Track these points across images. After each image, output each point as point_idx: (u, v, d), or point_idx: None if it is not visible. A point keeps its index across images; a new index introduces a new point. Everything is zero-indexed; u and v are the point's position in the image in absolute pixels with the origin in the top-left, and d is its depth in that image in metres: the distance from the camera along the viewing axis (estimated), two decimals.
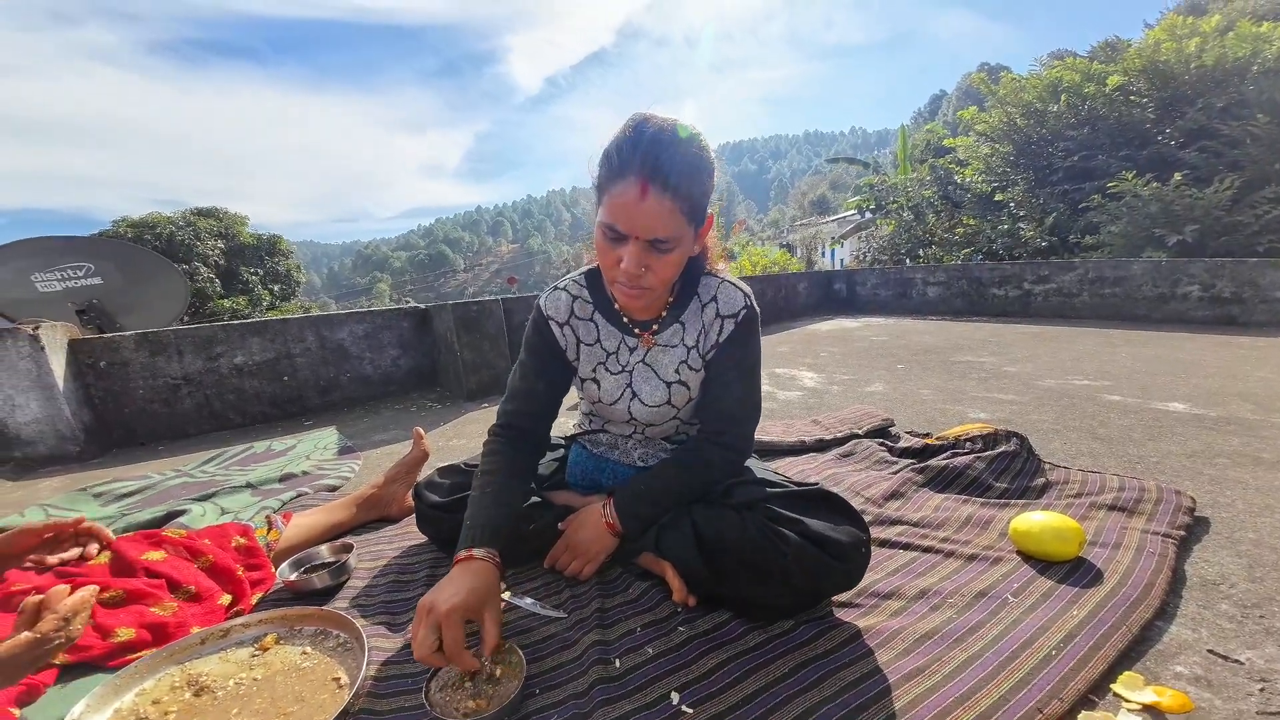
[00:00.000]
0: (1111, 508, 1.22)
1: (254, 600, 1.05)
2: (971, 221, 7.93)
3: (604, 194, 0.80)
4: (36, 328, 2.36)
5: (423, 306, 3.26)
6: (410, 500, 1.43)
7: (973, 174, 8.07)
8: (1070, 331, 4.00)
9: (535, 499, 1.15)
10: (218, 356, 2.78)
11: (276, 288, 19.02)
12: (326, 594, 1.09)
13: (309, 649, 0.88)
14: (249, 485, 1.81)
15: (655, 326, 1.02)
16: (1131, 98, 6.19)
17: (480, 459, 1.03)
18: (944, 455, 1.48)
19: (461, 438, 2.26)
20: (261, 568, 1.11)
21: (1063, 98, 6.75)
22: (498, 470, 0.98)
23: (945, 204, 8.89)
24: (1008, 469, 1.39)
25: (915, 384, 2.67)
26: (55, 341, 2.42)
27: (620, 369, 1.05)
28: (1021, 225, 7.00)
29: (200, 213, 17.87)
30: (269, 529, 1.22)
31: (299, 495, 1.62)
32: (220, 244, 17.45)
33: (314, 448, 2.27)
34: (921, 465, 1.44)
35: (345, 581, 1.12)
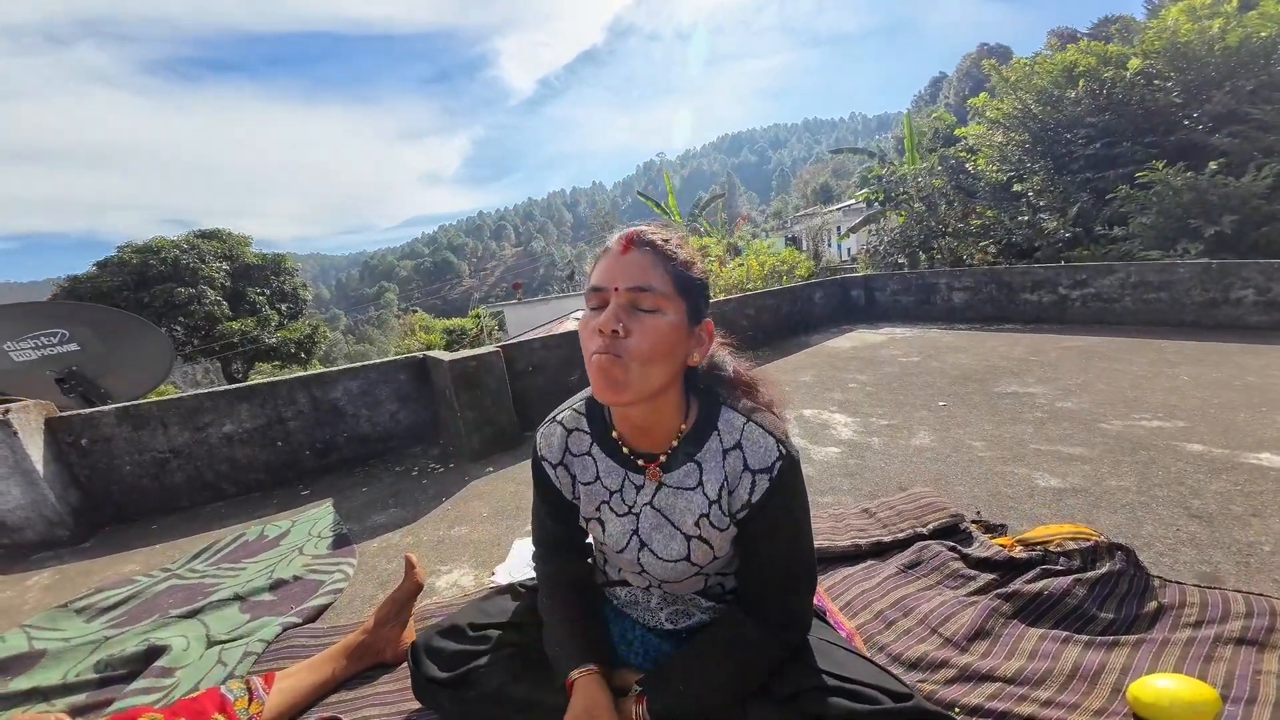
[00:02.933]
0: (1240, 641, 1.01)
1: None
2: (988, 212, 7.60)
3: (589, 276, 0.80)
4: (7, 410, 2.19)
5: (420, 356, 3.05)
6: (406, 644, 1.27)
7: (986, 163, 7.75)
8: (1117, 345, 3.71)
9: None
10: (205, 426, 2.60)
11: (284, 306, 19.02)
12: None
13: None
14: (237, 597, 1.65)
15: (663, 458, 0.85)
16: (1155, 81, 5.85)
17: (539, 584, 1.01)
18: (1034, 574, 1.25)
19: (465, 524, 2.04)
20: None
21: (1080, 82, 6.43)
22: (560, 585, 0.97)
23: (958, 194, 8.56)
24: (1113, 593, 1.17)
25: (964, 431, 2.42)
26: (30, 423, 2.25)
27: (626, 510, 0.88)
28: (1043, 216, 6.68)
29: (203, 235, 17.88)
30: (249, 699, 1.07)
31: (285, 630, 1.43)
32: (225, 266, 17.46)
33: (307, 535, 2.09)
34: (1008, 588, 1.21)
35: None
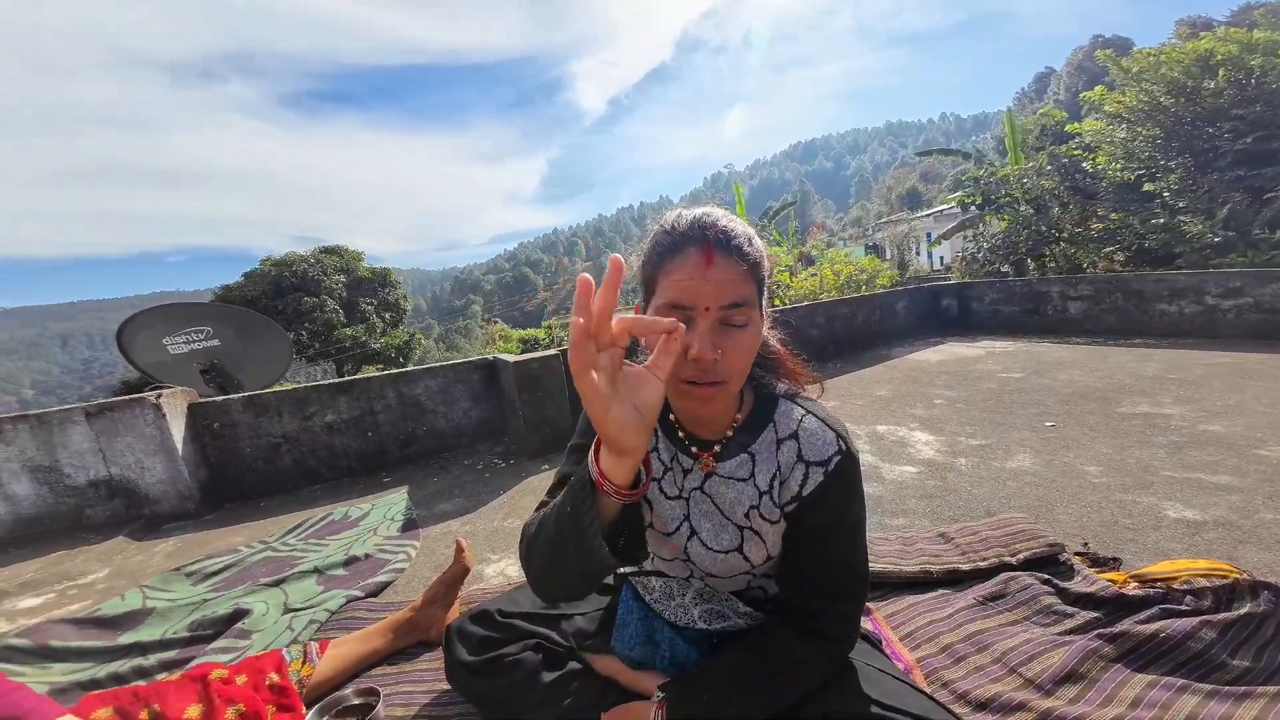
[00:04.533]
0: None
1: None
2: (1113, 215, 6.66)
3: (657, 280, 0.69)
4: (159, 395, 2.59)
5: (490, 358, 3.22)
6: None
7: (1108, 161, 6.81)
8: None
9: (573, 664, 0.95)
10: (311, 415, 2.91)
11: (388, 315, 21.10)
12: None
13: None
14: (316, 570, 1.81)
15: (717, 448, 0.80)
16: None
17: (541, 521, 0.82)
18: (1150, 613, 1.03)
19: (517, 517, 2.11)
20: (293, 708, 1.06)
21: (1220, 72, 5.50)
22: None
23: (1074, 195, 7.59)
24: (1253, 638, 0.94)
25: (1075, 454, 2.10)
26: (176, 407, 2.64)
27: (677, 493, 0.83)
28: (1183, 218, 5.73)
29: (326, 250, 20.37)
30: (303, 662, 1.15)
31: (349, 602, 1.54)
32: (342, 278, 19.74)
33: (382, 518, 2.26)
34: (1114, 628, 1.01)
35: None
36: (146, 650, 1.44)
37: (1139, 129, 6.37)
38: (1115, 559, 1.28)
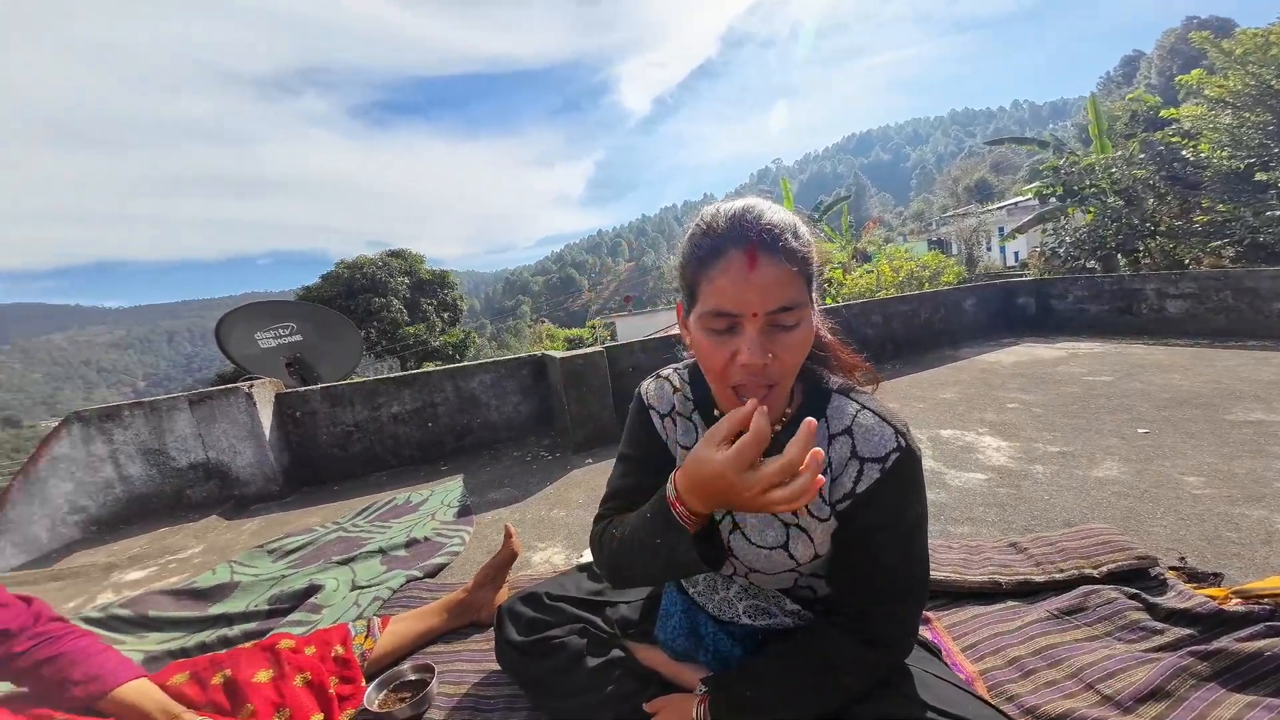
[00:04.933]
0: None
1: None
2: (1221, 207, 5.94)
3: (699, 285, 0.67)
4: (251, 386, 2.85)
5: (539, 355, 3.32)
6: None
7: (1211, 149, 6.09)
8: None
9: (616, 652, 0.96)
10: (379, 407, 3.11)
11: (446, 315, 22.17)
12: None
13: None
14: (381, 550, 1.93)
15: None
16: None
17: (605, 535, 0.86)
18: (1253, 629, 0.92)
19: (561, 507, 2.16)
20: (354, 680, 1.14)
21: None
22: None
23: (1171, 186, 6.82)
24: None
25: (1173, 463, 1.89)
26: (264, 396, 2.90)
27: None
28: None
29: (392, 254, 21.68)
30: (366, 635, 1.23)
31: (409, 582, 1.64)
32: (406, 280, 20.93)
33: (440, 504, 2.38)
34: (1209, 645, 0.91)
35: (424, 713, 1.08)
36: (231, 621, 1.55)
37: (1246, 114, 5.67)
38: (1216, 574, 1.14)
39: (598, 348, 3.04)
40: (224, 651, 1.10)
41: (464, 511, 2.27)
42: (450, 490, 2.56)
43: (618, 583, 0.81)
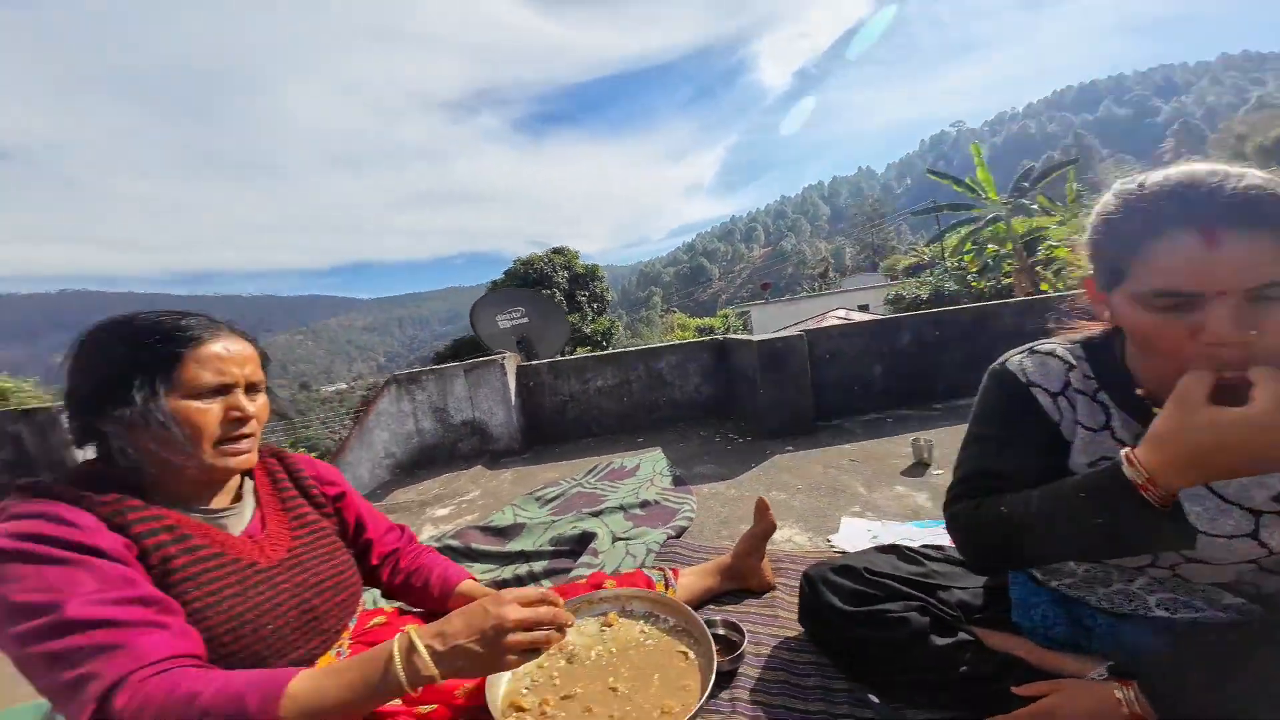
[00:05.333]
0: None
1: None
2: None
3: (1128, 263, 0.59)
4: (504, 358, 3.32)
5: (719, 338, 3.31)
6: (769, 575, 1.36)
7: None
8: None
9: (963, 634, 0.86)
10: (588, 381, 3.40)
11: (595, 306, 23.69)
12: (726, 677, 1.05)
13: (645, 627, 0.93)
14: (621, 507, 2.06)
15: None
16: None
17: (972, 519, 0.76)
18: None
19: (782, 490, 2.07)
20: None
21: None
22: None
23: None
24: None
25: None
26: (510, 368, 3.35)
27: None
28: None
29: (554, 251, 23.73)
30: (665, 585, 1.27)
31: (668, 539, 1.71)
32: (565, 274, 22.77)
33: (653, 470, 2.49)
34: None
35: (739, 669, 1.07)
36: (529, 558, 1.65)
37: None
38: None
39: (797, 331, 2.90)
40: (554, 584, 1.19)
41: (679, 481, 2.33)
42: (656, 460, 2.68)
43: (998, 563, 0.78)
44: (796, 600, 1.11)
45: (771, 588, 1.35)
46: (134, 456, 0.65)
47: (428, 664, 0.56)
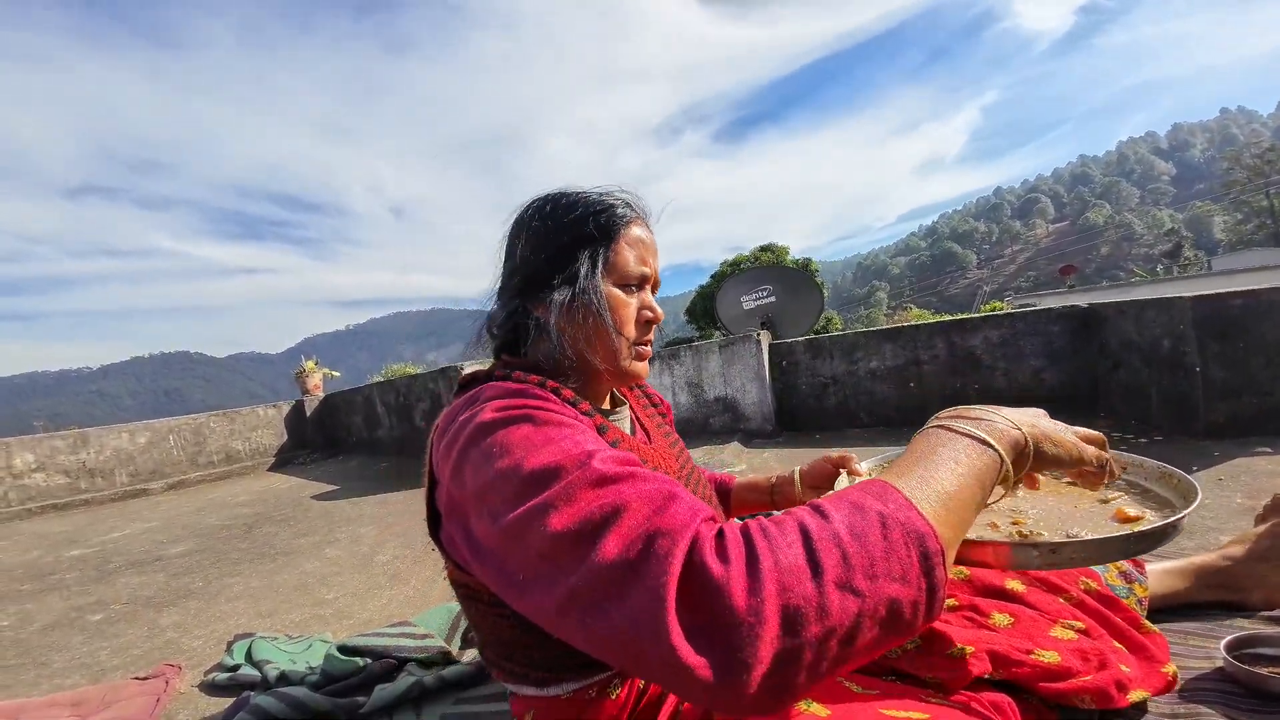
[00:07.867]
0: None
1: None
2: None
3: None
4: (758, 333, 3.33)
5: (1084, 305, 2.54)
6: None
7: None
8: None
9: None
10: (857, 361, 3.12)
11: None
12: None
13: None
14: None
15: None
16: None
17: None
18: None
19: (1251, 497, 1.43)
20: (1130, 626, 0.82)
21: None
22: None
23: None
24: None
25: None
26: (763, 346, 3.35)
27: None
28: None
29: (763, 249, 23.51)
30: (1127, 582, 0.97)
31: None
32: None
33: None
34: None
35: None
36: None
37: None
38: None
39: (1265, 284, 2.02)
40: None
41: None
42: None
43: None
44: None
45: None
46: (557, 349, 0.59)
47: (1012, 423, 0.45)
